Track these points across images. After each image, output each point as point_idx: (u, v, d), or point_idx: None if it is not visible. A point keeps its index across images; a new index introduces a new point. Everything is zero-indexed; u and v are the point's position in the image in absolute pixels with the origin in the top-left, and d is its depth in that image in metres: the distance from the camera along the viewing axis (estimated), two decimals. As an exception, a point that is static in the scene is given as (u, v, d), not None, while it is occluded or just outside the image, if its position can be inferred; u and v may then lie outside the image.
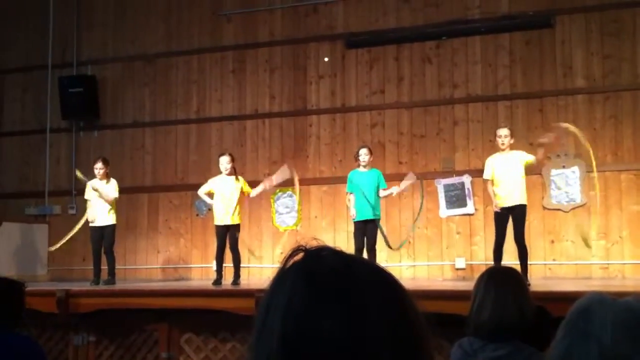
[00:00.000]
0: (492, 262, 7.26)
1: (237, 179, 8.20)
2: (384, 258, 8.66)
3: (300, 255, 0.91)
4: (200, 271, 10.00)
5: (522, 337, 2.58)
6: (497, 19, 9.32)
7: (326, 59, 10.00)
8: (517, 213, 7.26)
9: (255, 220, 9.79)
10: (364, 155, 7.91)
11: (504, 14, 9.33)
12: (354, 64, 9.90)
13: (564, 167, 8.71)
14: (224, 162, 8.16)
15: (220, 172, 8.20)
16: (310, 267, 0.88)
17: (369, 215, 7.73)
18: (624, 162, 8.67)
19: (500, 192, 7.35)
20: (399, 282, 0.91)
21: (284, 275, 0.89)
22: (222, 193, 8.10)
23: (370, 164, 7.97)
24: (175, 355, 6.96)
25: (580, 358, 1.24)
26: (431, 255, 9.22)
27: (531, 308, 2.61)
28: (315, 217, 9.73)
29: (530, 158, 7.41)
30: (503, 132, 7.45)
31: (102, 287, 7.96)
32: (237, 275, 8.01)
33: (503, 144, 7.40)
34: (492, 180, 7.46)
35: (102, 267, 8.47)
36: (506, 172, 7.36)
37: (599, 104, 8.88)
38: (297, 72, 10.14)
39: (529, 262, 7.27)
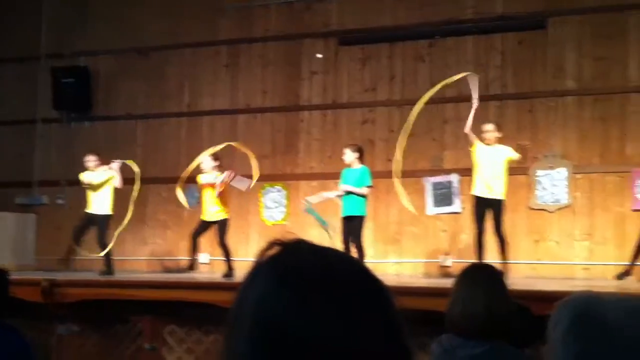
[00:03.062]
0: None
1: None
2: (370, 254, 8.68)
3: (275, 249, 0.87)
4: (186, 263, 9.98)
5: (504, 336, 2.58)
6: (490, 20, 9.33)
7: (319, 56, 10.01)
8: (496, 208, 7.41)
9: (244, 213, 9.80)
10: None
11: (498, 14, 9.35)
12: (347, 61, 9.91)
13: (550, 167, 8.77)
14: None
15: None
16: (285, 262, 0.85)
17: None
18: (610, 164, 8.69)
19: (479, 181, 7.52)
20: (377, 277, 0.87)
21: (258, 269, 0.86)
22: None
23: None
24: (157, 346, 6.99)
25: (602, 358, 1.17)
26: (417, 252, 9.25)
27: (506, 306, 2.60)
28: (305, 212, 9.73)
29: (513, 156, 7.57)
30: (488, 127, 7.64)
31: (97, 277, 7.99)
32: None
33: (489, 139, 7.58)
34: (474, 163, 7.60)
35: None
36: (489, 165, 7.50)
37: (587, 105, 8.90)
38: (290, 68, 10.14)
39: (511, 260, 7.33)
